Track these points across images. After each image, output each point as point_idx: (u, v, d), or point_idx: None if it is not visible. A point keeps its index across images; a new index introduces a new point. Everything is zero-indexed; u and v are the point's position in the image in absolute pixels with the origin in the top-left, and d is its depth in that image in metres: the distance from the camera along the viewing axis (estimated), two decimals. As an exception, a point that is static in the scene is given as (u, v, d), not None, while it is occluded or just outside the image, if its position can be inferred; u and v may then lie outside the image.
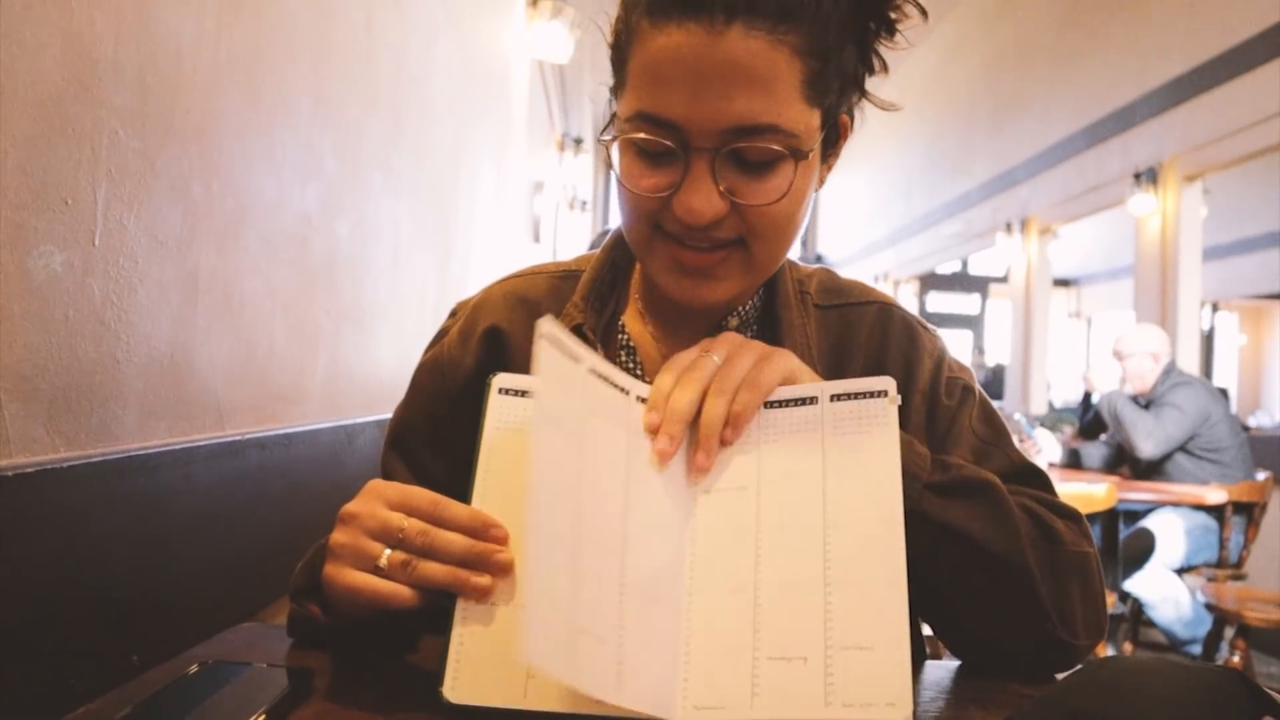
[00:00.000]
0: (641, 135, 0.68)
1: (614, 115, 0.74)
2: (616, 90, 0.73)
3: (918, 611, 0.76)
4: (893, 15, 0.71)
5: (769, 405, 0.67)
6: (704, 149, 0.67)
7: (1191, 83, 5.22)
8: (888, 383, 0.65)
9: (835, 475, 0.63)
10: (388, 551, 0.60)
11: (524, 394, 0.66)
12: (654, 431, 0.65)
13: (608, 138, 0.73)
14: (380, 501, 0.63)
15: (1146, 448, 3.66)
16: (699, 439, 0.65)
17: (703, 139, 0.67)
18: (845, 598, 0.59)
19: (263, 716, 0.55)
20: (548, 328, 0.60)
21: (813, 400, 0.66)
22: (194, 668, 0.63)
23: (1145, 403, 3.88)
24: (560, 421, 0.60)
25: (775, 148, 0.67)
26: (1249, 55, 4.73)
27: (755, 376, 0.66)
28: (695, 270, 0.73)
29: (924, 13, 0.71)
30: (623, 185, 0.72)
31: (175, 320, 1.00)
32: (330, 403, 1.54)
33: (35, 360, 0.78)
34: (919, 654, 0.78)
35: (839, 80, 0.70)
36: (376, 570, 0.60)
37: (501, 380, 0.66)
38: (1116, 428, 3.81)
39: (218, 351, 1.11)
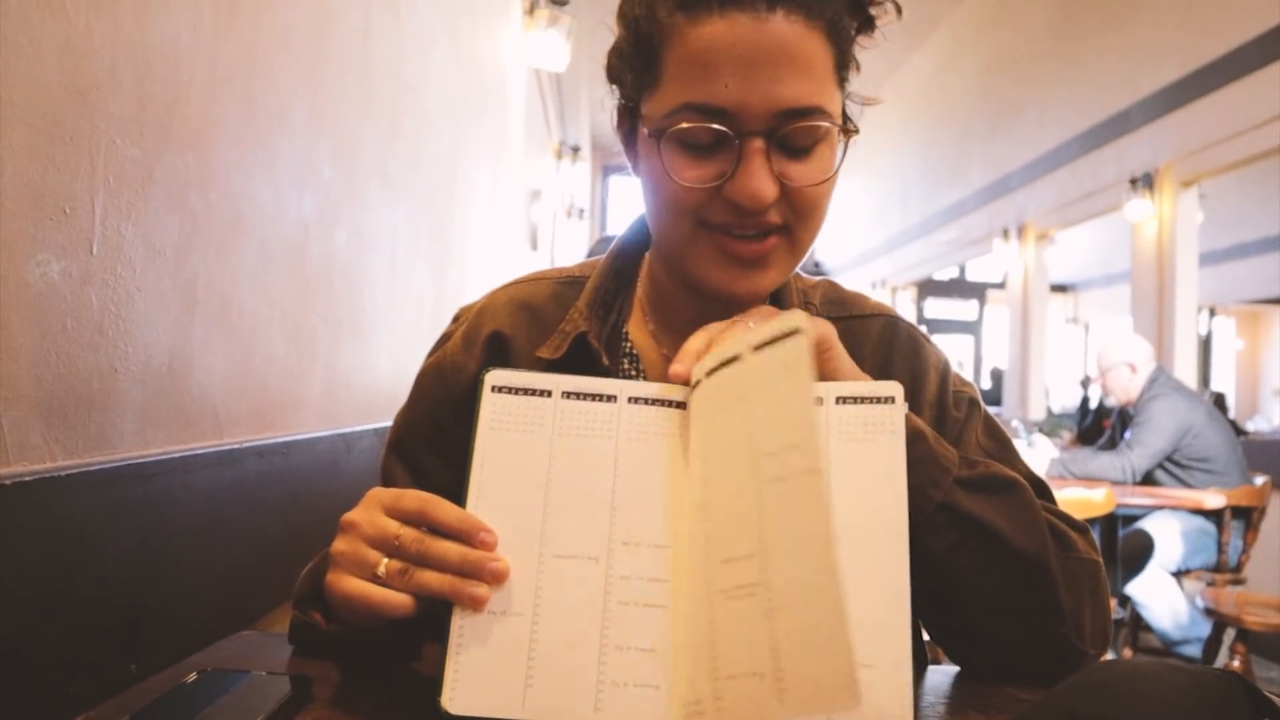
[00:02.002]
0: (689, 125, 0.68)
1: (639, 116, 0.73)
2: (642, 91, 0.73)
3: (925, 616, 0.76)
4: (872, 11, 0.73)
5: None
6: (757, 132, 0.68)
7: (1187, 88, 5.24)
8: (895, 388, 0.63)
9: (840, 484, 0.61)
10: (386, 560, 0.60)
11: (518, 392, 0.64)
12: (682, 382, 0.64)
13: (647, 133, 0.72)
14: (379, 509, 0.63)
15: (1129, 479, 3.64)
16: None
17: (755, 122, 0.68)
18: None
19: (261, 724, 0.55)
20: (495, 378, 0.64)
21: (817, 401, 0.63)
22: (192, 676, 0.63)
23: (1132, 413, 3.87)
24: (505, 477, 0.62)
25: (824, 125, 0.69)
26: (1244, 60, 4.75)
27: None
28: (748, 261, 0.73)
29: (898, 10, 0.73)
30: (662, 182, 0.71)
31: (173, 329, 1.00)
32: (328, 411, 1.54)
33: (33, 369, 0.78)
34: (920, 661, 0.77)
35: (850, 69, 0.73)
36: (375, 578, 0.60)
37: (495, 378, 0.64)
38: (1102, 479, 3.74)
39: (215, 360, 1.11)
